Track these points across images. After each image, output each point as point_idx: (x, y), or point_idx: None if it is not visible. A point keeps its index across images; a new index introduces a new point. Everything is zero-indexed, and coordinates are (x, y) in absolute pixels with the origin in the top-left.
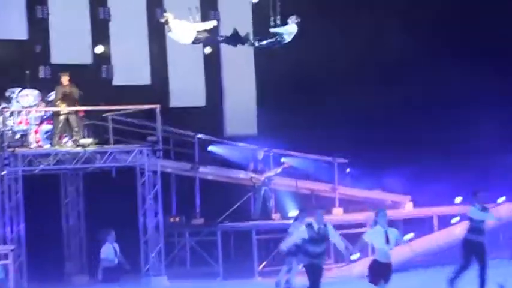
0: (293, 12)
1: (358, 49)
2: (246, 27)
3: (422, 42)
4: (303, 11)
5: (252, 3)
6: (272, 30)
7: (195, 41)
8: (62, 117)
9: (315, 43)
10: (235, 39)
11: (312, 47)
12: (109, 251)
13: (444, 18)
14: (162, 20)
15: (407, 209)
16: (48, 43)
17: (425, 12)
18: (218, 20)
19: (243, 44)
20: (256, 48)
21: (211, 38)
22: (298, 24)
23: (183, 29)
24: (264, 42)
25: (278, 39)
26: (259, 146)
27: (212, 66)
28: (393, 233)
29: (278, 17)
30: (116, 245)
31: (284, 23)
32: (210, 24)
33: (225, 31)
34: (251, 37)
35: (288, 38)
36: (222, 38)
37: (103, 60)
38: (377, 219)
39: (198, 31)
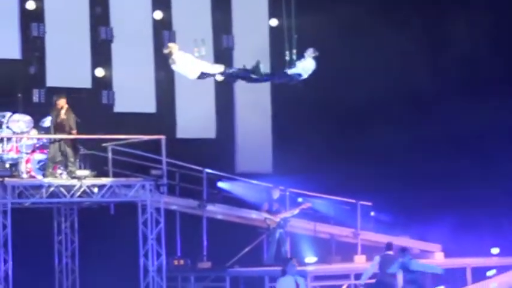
0: (313, 44)
1: (383, 85)
2: (262, 53)
3: (450, 77)
4: (324, 42)
5: (270, 27)
6: (288, 71)
7: (201, 77)
8: (56, 146)
9: (337, 77)
10: (254, 73)
11: (333, 81)
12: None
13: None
14: (166, 51)
15: (438, 258)
16: (44, 64)
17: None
18: (232, 49)
19: (254, 73)
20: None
21: (224, 73)
22: (316, 58)
23: (188, 64)
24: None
25: (294, 73)
26: (274, 184)
27: (224, 94)
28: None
29: (294, 50)
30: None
31: (300, 56)
32: (218, 68)
33: (240, 57)
34: (262, 67)
35: (304, 75)
36: (232, 71)
37: (104, 84)
38: None
39: (205, 65)
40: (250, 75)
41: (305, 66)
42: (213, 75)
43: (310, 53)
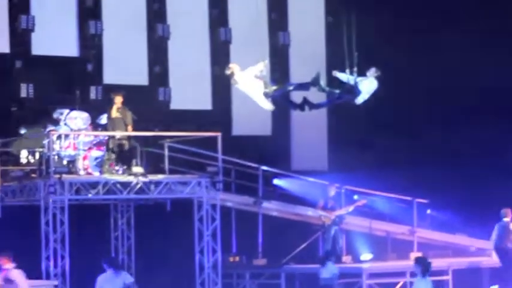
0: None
1: (441, 85)
2: (318, 49)
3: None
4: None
5: (327, 23)
6: (338, 75)
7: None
8: (113, 143)
9: (395, 78)
10: (314, 84)
11: (390, 82)
12: None
13: None
14: (228, 72)
15: (495, 257)
16: (101, 61)
17: None
18: (288, 45)
19: (314, 85)
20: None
21: (281, 90)
22: (378, 78)
23: (251, 83)
24: (336, 91)
25: (354, 91)
26: (330, 181)
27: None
28: None
29: (355, 68)
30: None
31: (362, 75)
32: (275, 87)
33: (296, 53)
34: (322, 81)
35: (366, 96)
36: (291, 87)
37: (160, 81)
38: None
39: (265, 84)
40: (309, 87)
41: (367, 86)
42: (273, 94)
43: (372, 72)
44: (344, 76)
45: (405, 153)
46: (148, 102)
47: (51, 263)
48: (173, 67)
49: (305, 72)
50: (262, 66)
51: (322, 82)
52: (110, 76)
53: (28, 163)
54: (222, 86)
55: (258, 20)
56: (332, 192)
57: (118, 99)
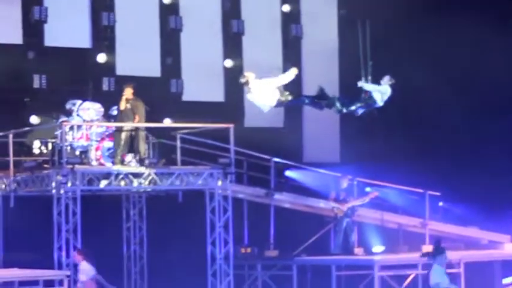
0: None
1: (453, 79)
2: (331, 42)
3: None
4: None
5: (339, 15)
6: (362, 85)
7: (278, 105)
8: (125, 134)
9: (407, 70)
10: (320, 98)
11: (403, 73)
12: None
13: None
14: (243, 81)
15: (507, 249)
16: (114, 53)
17: None
18: (300, 38)
19: (329, 107)
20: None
21: (295, 101)
22: (392, 86)
23: (265, 91)
24: (353, 108)
25: (369, 102)
26: (342, 173)
27: (292, 83)
28: None
29: (369, 77)
30: None
31: (376, 83)
32: (291, 74)
33: (308, 46)
34: (338, 103)
35: (380, 103)
36: (307, 101)
37: (173, 73)
38: None
39: (280, 92)
40: (323, 108)
41: (382, 94)
42: (286, 103)
43: (386, 80)
44: (369, 86)
45: (418, 145)
46: (160, 93)
47: (64, 253)
48: (185, 59)
49: (317, 65)
50: (293, 75)
51: (338, 104)
52: (123, 67)
53: (41, 154)
54: (234, 78)
55: (270, 12)
56: (344, 184)
57: (128, 91)
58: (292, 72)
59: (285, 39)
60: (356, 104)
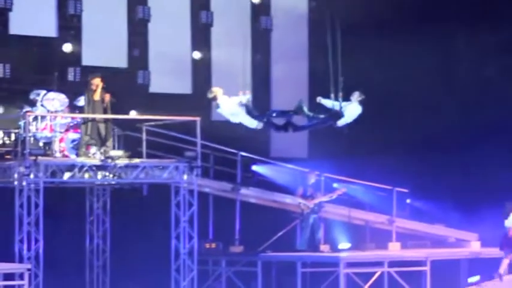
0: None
1: (421, 72)
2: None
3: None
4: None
5: (310, 7)
6: (320, 101)
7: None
8: (90, 126)
9: (379, 64)
10: (289, 114)
11: (374, 67)
12: None
13: None
14: (210, 96)
15: (474, 248)
16: (80, 42)
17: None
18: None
19: (297, 113)
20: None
21: (263, 116)
22: (362, 102)
23: (231, 109)
24: (322, 117)
25: (338, 118)
26: (309, 168)
27: (261, 77)
28: None
29: (340, 93)
30: None
31: (346, 99)
32: (244, 98)
33: (278, 39)
34: (305, 108)
35: (348, 120)
36: (274, 114)
37: (140, 64)
38: None
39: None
40: (293, 117)
41: (351, 111)
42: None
43: (356, 96)
44: (329, 102)
45: (386, 141)
46: (127, 85)
47: (25, 246)
48: (153, 50)
49: (286, 58)
50: (245, 100)
51: (305, 109)
52: (89, 58)
53: (3, 144)
54: (203, 69)
55: (240, 4)
56: (312, 179)
57: (96, 81)
58: (248, 95)
59: (255, 31)
60: (325, 113)
